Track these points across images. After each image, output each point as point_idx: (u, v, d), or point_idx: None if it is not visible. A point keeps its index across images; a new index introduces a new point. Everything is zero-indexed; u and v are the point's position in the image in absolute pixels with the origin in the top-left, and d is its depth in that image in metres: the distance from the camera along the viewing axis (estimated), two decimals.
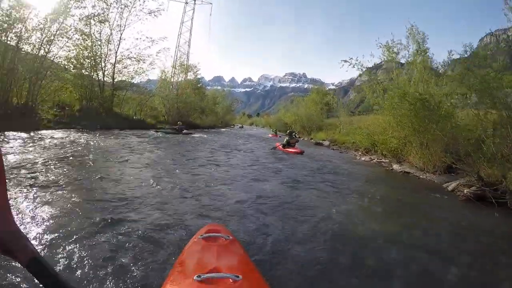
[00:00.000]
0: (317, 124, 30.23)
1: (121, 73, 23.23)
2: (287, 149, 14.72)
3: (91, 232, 3.17)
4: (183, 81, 32.51)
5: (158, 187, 5.44)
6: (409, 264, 3.25)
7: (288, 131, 18.13)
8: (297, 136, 16.88)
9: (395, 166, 10.93)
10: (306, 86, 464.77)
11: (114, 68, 22.74)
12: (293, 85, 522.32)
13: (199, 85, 34.03)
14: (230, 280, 1.55)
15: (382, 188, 7.64)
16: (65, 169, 6.11)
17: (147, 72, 23.87)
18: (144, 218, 3.76)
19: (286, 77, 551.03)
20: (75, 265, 2.50)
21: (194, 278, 1.56)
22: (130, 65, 23.31)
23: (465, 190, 6.97)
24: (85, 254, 2.67)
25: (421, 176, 9.30)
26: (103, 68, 22.12)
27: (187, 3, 45.94)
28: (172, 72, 31.36)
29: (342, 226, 4.20)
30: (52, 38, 16.25)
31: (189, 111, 30.30)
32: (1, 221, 0.88)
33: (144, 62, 23.47)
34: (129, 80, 23.75)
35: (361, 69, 15.41)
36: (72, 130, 15.74)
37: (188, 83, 32.11)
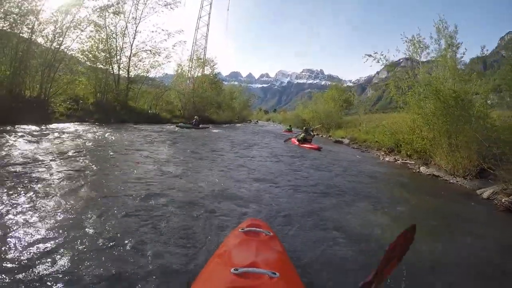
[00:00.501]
0: (335, 121, 29.46)
1: (136, 67, 23.04)
2: (303, 145, 14.91)
3: (130, 223, 3.21)
4: (200, 75, 32.14)
5: (184, 181, 5.40)
6: None
7: (304, 127, 17.78)
8: (313, 132, 17.21)
9: (422, 169, 10.29)
10: (323, 82, 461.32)
11: (129, 61, 22.53)
12: (310, 81, 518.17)
13: (216, 80, 33.65)
14: (267, 276, 1.54)
15: (413, 195, 7.03)
16: (86, 162, 6.01)
17: (163, 65, 23.60)
18: (179, 210, 3.79)
19: (303, 73, 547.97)
20: (116, 254, 2.55)
21: (231, 270, 1.56)
22: (145, 58, 23.10)
23: (503, 199, 6.35)
24: (125, 243, 2.74)
25: (451, 181, 8.65)
26: (118, 61, 21.93)
27: None
28: (189, 66, 31.12)
29: (375, 236, 3.86)
30: (65, 30, 15.96)
31: (205, 105, 29.96)
32: None
33: (159, 55, 23.20)
34: (144, 73, 23.49)
35: (386, 63, 14.62)
36: (85, 123, 15.63)
37: (204, 78, 31.76)
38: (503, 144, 7.78)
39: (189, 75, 30.75)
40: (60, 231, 2.82)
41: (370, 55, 14.45)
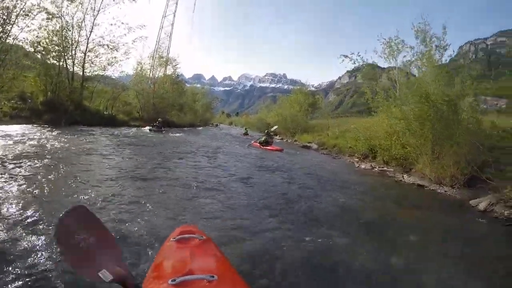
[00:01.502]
0: (301, 125, 28.84)
1: (92, 63, 20.94)
2: (266, 147, 15.60)
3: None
4: (162, 75, 30.28)
5: (130, 190, 5.02)
6: None
7: (266, 131, 18.52)
8: (272, 134, 18.36)
9: (405, 177, 9.61)
10: (286, 87, 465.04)
11: (85, 56, 20.44)
12: (273, 85, 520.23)
13: (178, 80, 31.80)
14: (205, 281, 1.55)
15: (401, 208, 6.29)
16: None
17: (121, 62, 21.61)
18: (117, 223, 3.54)
19: (266, 77, 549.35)
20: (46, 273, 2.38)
21: (169, 282, 1.55)
22: (103, 54, 21.07)
23: (505, 212, 5.72)
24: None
25: (438, 190, 8.01)
26: (73, 56, 19.82)
27: None
28: (151, 64, 29.17)
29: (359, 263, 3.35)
30: (12, 17, 14.16)
31: (166, 107, 28.18)
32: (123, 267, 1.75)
33: (117, 51, 21.27)
34: (101, 71, 21.44)
35: (362, 64, 14.14)
36: (31, 125, 13.86)
37: (166, 77, 29.92)
38: (499, 150, 7.18)
39: (150, 74, 28.81)
40: None
41: (346, 56, 13.97)
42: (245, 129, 35.06)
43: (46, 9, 16.85)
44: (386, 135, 11.91)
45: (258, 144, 16.27)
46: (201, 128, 36.16)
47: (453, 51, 12.25)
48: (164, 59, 30.31)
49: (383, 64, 13.73)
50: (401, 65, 13.15)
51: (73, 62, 19.93)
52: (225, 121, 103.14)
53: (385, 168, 11.60)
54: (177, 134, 19.61)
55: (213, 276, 1.56)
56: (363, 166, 12.37)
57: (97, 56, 20.97)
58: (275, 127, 24.75)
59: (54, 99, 17.99)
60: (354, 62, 14.08)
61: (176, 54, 36.98)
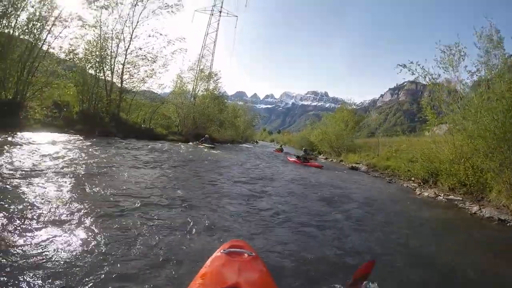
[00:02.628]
0: (347, 144, 26.93)
1: (131, 75, 20.61)
2: (306, 163, 16.72)
3: (114, 247, 3.08)
4: (204, 89, 29.66)
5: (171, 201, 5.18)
6: None
7: (304, 148, 20.70)
8: (310, 152, 19.91)
9: (486, 211, 7.69)
10: (327, 105, 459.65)
11: (123, 68, 20.15)
12: (314, 103, 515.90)
13: (218, 95, 30.90)
14: None
15: (497, 258, 4.67)
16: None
17: (160, 74, 21.06)
18: (166, 231, 3.71)
19: (307, 95, 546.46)
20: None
21: None
22: (141, 66, 20.68)
23: None
24: (110, 270, 2.63)
25: None
26: (112, 67, 19.58)
27: (212, 14, 43.96)
28: (192, 78, 28.56)
29: None
30: (44, 22, 14.04)
31: (206, 122, 27.41)
32: None
33: (155, 62, 20.78)
34: (140, 83, 21.02)
35: (423, 76, 12.31)
36: (63, 134, 13.40)
37: (208, 92, 29.29)
38: None
39: (191, 88, 28.24)
40: None
41: (404, 65, 12.18)
42: (280, 145, 36.66)
43: (80, 16, 16.85)
44: (453, 157, 10.23)
45: (298, 160, 17.26)
46: (242, 145, 35.10)
47: None
48: (206, 73, 29.64)
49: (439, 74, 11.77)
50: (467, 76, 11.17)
51: (112, 73, 19.61)
52: (266, 138, 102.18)
53: (451, 197, 9.72)
54: (214, 151, 18.42)
55: None
56: (425, 194, 10.49)
57: (135, 67, 20.53)
58: (315, 153, 26.69)
59: (90, 109, 17.66)
60: (412, 72, 12.26)
61: (217, 69, 36.68)
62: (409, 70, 12.23)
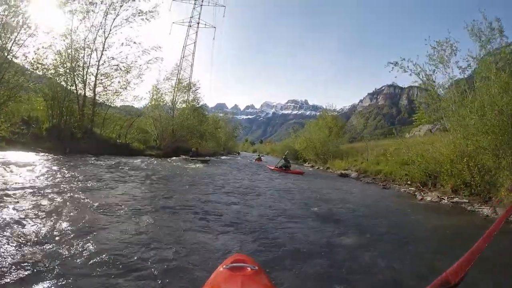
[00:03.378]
0: (332, 151, 26.22)
1: (104, 87, 19.20)
2: (287, 171, 17.36)
3: (112, 268, 2.96)
4: (183, 101, 28.22)
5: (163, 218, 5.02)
6: None
7: (284, 157, 19.82)
8: (289, 160, 19.70)
9: (491, 212, 7.01)
10: (308, 113, 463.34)
11: (96, 80, 18.73)
12: (295, 112, 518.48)
13: (198, 106, 29.56)
14: None
15: None
16: None
17: (134, 86, 19.80)
18: (161, 250, 3.58)
19: (288, 104, 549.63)
20: None
21: None
22: (115, 77, 19.37)
23: None
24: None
25: None
26: (84, 79, 18.21)
27: (190, 26, 43.12)
28: (170, 89, 27.04)
29: None
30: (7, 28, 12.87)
31: (186, 135, 26.12)
32: None
33: (130, 72, 19.46)
34: (114, 95, 19.54)
35: (417, 73, 11.63)
36: (30, 152, 12.21)
37: (187, 104, 28.00)
38: None
39: (169, 99, 26.61)
40: None
41: (396, 63, 11.55)
42: (258, 155, 37.59)
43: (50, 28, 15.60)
44: (454, 156, 9.60)
45: (278, 168, 17.99)
46: (224, 157, 33.83)
47: None
48: (185, 84, 28.35)
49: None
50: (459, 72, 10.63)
51: (84, 85, 18.26)
52: (248, 148, 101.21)
53: (457, 199, 9.04)
54: (192, 166, 17.30)
55: None
56: (428, 198, 9.72)
57: (108, 79, 19.23)
58: (287, 151, 26.28)
59: (61, 125, 16.30)
60: (405, 70, 11.61)
61: (196, 79, 35.62)
62: (400, 68, 11.57)
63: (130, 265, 3.05)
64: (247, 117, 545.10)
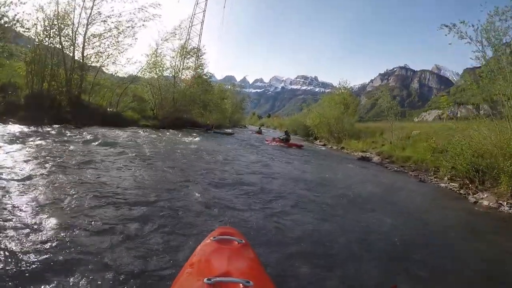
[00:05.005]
0: (347, 129, 23.71)
1: (92, 48, 16.73)
2: (288, 144, 17.82)
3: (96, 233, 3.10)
4: (186, 67, 25.41)
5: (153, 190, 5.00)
6: None
7: (285, 131, 21.26)
8: (290, 134, 20.29)
9: None
10: (317, 89, 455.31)
11: (84, 38, 16.22)
12: (304, 87, 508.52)
13: (202, 72, 26.27)
14: (241, 285, 1.52)
15: None
16: None
17: (127, 46, 17.24)
18: (149, 221, 3.61)
19: (297, 79, 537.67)
20: (87, 269, 2.46)
21: (204, 280, 1.53)
22: (106, 37, 16.83)
23: None
24: (94, 257, 2.64)
25: None
26: (74, 39, 15.72)
27: None
28: (174, 55, 23.81)
29: None
30: None
31: (188, 105, 23.56)
32: None
33: (122, 33, 16.96)
34: (104, 58, 17.11)
35: (478, 40, 9.09)
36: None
37: (193, 70, 25.38)
38: None
39: (169, 64, 23.46)
40: None
41: (453, 25, 9.09)
42: (259, 127, 40.34)
43: None
44: None
45: (278, 142, 18.36)
46: (229, 130, 30.97)
47: None
48: (189, 48, 25.33)
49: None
50: None
51: (73, 47, 15.80)
52: (256, 122, 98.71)
53: None
54: (194, 139, 15.09)
55: (248, 282, 1.52)
56: (485, 203, 7.43)
57: (98, 38, 16.70)
58: (286, 130, 24.69)
59: (43, 92, 14.00)
60: (461, 36, 9.10)
61: (202, 45, 32.83)
62: (457, 33, 9.04)
63: (117, 237, 3.06)
64: (255, 90, 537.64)
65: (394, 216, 5.44)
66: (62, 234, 2.94)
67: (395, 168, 12.40)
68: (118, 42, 16.94)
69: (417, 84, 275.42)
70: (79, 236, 2.97)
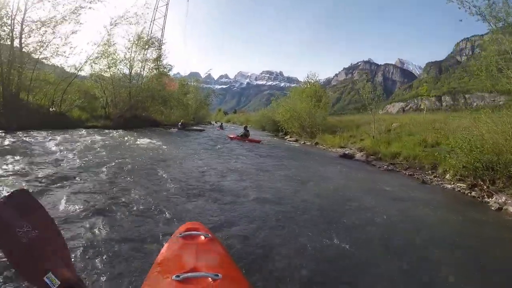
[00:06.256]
0: (320, 123, 22.15)
1: (30, 37, 13.86)
2: (246, 139, 17.72)
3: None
4: (143, 59, 21.98)
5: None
6: None
7: (244, 126, 22.35)
8: (248, 130, 20.20)
9: None
10: (282, 84, 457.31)
11: (22, 28, 13.41)
12: (269, 83, 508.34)
13: (160, 65, 23.01)
14: (210, 279, 1.53)
15: None
16: None
17: (72, 33, 14.67)
18: (120, 219, 3.67)
19: (262, 74, 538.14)
20: None
21: (173, 277, 1.54)
22: (47, 24, 14.15)
23: None
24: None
25: None
26: (12, 27, 13.04)
27: None
28: (130, 45, 20.57)
29: None
30: None
31: (145, 101, 20.88)
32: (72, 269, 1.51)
33: (65, 19, 14.30)
34: (42, 47, 14.26)
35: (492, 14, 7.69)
36: None
37: (151, 62, 22.39)
38: None
39: (123, 56, 20.14)
40: None
41: None
42: (221, 123, 40.93)
43: None
44: None
45: (238, 137, 18.15)
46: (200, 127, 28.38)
47: None
48: (145, 39, 22.19)
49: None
50: None
51: (12, 37, 13.11)
52: (222, 118, 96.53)
53: None
54: (143, 141, 13.06)
55: (217, 275, 1.54)
56: (511, 209, 5.99)
57: (41, 25, 13.96)
58: (245, 125, 27.25)
59: None
60: (473, 11, 7.71)
61: (161, 37, 30.35)
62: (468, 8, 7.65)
63: (81, 238, 3.03)
64: (220, 86, 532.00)
65: (414, 239, 4.08)
66: None
67: (385, 166, 10.91)
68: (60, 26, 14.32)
69: (381, 77, 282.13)
70: None
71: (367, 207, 5.37)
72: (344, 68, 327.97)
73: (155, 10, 37.59)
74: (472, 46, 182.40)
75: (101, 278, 2.37)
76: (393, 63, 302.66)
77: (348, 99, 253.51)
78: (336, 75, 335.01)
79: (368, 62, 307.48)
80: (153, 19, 36.77)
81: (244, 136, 18.09)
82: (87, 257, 2.67)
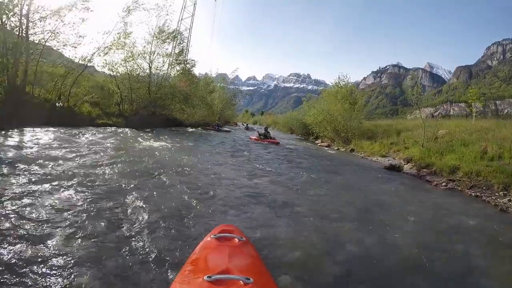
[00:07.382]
0: (356, 128, 19.79)
1: (35, 24, 12.57)
2: (264, 140, 18.01)
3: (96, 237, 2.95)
4: (164, 54, 19.91)
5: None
6: None
7: (264, 127, 23.99)
8: (269, 130, 20.97)
9: None
10: (310, 87, 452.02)
11: (28, 11, 12.15)
12: (297, 85, 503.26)
13: (183, 59, 21.53)
14: (241, 282, 1.51)
15: None
16: None
17: (81, 20, 13.23)
18: (154, 218, 3.61)
19: (290, 77, 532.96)
20: (82, 269, 2.36)
21: (204, 278, 1.53)
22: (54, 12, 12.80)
23: None
24: (92, 256, 2.57)
25: None
26: (20, 14, 11.88)
27: None
28: (151, 40, 18.88)
29: None
30: None
31: (165, 99, 19.18)
32: None
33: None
34: (50, 36, 12.97)
35: None
36: None
37: (173, 58, 20.69)
38: None
39: (142, 49, 18.52)
40: None
41: None
42: (247, 124, 43.17)
43: None
44: None
45: (257, 138, 18.30)
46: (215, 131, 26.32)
47: None
48: (167, 33, 20.43)
49: None
50: None
51: (20, 26, 11.93)
52: (248, 120, 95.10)
53: None
54: (159, 144, 11.36)
55: (249, 279, 1.51)
56: None
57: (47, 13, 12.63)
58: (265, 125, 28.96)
59: None
60: None
61: (183, 28, 29.29)
62: None
63: (118, 236, 3.00)
64: (248, 88, 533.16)
65: None
66: None
67: (443, 184, 8.64)
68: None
69: (410, 82, 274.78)
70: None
71: (455, 257, 3.48)
72: (372, 72, 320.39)
73: (182, 10, 37.66)
74: (504, 50, 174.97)
75: (132, 274, 2.35)
76: (422, 67, 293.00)
77: (376, 104, 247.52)
78: (364, 78, 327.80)
79: (397, 66, 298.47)
80: (180, 18, 36.89)
81: (264, 137, 18.36)
82: (122, 250, 2.67)
